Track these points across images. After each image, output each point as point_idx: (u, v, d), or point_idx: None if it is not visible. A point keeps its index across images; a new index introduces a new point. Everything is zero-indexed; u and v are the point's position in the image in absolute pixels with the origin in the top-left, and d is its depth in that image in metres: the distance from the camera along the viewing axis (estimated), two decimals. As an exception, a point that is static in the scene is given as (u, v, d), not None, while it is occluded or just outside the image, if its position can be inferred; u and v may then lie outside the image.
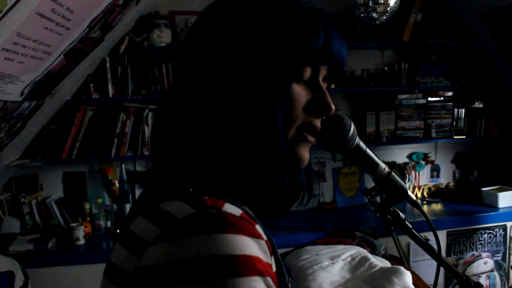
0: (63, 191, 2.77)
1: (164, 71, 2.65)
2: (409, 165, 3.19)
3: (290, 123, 0.58)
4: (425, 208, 2.97)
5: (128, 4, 2.24)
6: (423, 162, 3.20)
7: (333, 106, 0.61)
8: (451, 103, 3.06)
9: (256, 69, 0.55)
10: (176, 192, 0.51)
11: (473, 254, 2.81)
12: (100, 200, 2.71)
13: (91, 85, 2.60)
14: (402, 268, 1.85)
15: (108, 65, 2.59)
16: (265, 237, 0.48)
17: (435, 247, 0.80)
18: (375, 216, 2.82)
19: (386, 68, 3.04)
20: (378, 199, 0.82)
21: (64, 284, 2.29)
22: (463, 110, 3.10)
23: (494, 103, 3.13)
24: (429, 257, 0.81)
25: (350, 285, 1.92)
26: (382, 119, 3.01)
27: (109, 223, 2.65)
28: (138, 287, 0.46)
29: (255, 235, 0.46)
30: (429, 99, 3.03)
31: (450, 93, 3.07)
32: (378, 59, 3.13)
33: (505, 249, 2.86)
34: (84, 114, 2.59)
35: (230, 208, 0.48)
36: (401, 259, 2.50)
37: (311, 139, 0.61)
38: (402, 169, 3.16)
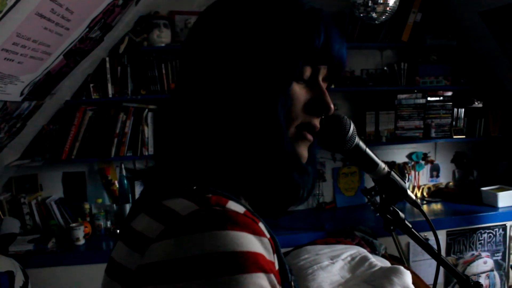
0: (63, 191, 2.77)
1: (163, 71, 2.65)
2: (409, 165, 3.20)
3: (290, 122, 0.58)
4: (424, 208, 2.98)
5: (127, 4, 2.24)
6: (423, 162, 3.21)
7: (332, 106, 0.61)
8: (451, 103, 3.06)
9: (257, 67, 0.55)
10: (179, 189, 0.51)
11: (473, 254, 2.81)
12: (100, 200, 2.71)
13: (91, 85, 2.60)
14: (402, 267, 1.85)
15: (107, 65, 2.59)
16: (268, 235, 0.49)
17: (435, 246, 0.80)
18: (374, 216, 2.82)
19: (385, 68, 3.04)
20: (377, 198, 0.82)
21: (64, 284, 2.29)
22: (463, 110, 3.10)
23: (493, 103, 3.13)
24: (429, 256, 0.82)
25: (350, 284, 1.92)
26: (382, 119, 3.01)
27: (109, 223, 2.65)
28: (141, 284, 0.45)
29: (258, 233, 0.47)
30: (429, 99, 3.03)
31: (449, 93, 3.07)
32: (377, 59, 3.13)
33: (505, 248, 2.86)
34: (83, 114, 2.59)
35: (234, 206, 0.48)
36: (401, 259, 2.50)
37: (310, 137, 0.61)
38: (401, 169, 3.16)
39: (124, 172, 2.68)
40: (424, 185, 3.24)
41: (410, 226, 0.80)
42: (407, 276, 1.80)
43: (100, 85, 2.62)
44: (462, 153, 3.28)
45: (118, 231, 2.56)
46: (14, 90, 1.81)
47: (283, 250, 0.55)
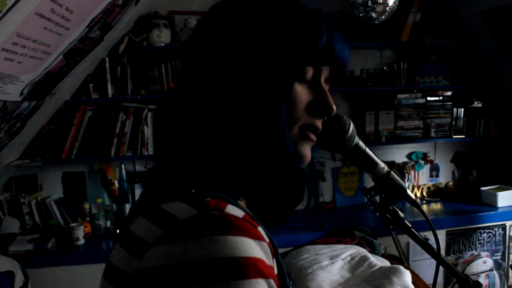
0: (62, 191, 2.77)
1: (163, 71, 2.65)
2: (409, 164, 3.20)
3: (293, 122, 0.58)
4: (424, 207, 2.98)
5: (127, 4, 2.24)
6: (423, 162, 3.21)
7: (334, 107, 0.61)
8: (450, 103, 3.06)
9: (260, 67, 0.55)
10: (177, 192, 0.51)
11: (473, 254, 2.81)
12: (99, 200, 2.71)
13: (91, 85, 2.60)
14: (401, 267, 1.85)
15: (107, 65, 2.59)
16: (267, 239, 0.48)
17: (435, 246, 0.81)
18: (374, 216, 2.82)
19: (385, 67, 3.04)
20: (377, 198, 0.82)
21: (64, 284, 2.29)
22: (462, 109, 3.10)
23: (493, 103, 3.13)
24: (428, 256, 0.82)
25: (349, 284, 1.92)
26: (381, 119, 3.01)
27: (108, 223, 2.65)
28: None
29: (258, 237, 0.46)
30: (428, 98, 3.03)
31: (449, 93, 3.07)
32: (377, 58, 3.13)
33: (504, 248, 2.86)
34: (83, 114, 2.59)
35: (233, 210, 0.48)
36: (400, 259, 2.50)
37: (314, 137, 0.61)
38: (401, 169, 3.16)
39: (124, 172, 2.68)
40: (424, 184, 3.24)
41: (410, 225, 0.81)
42: (407, 276, 1.80)
43: (99, 85, 2.62)
44: (461, 153, 3.29)
45: (118, 231, 2.57)
46: (14, 90, 1.81)
47: (283, 250, 0.55)
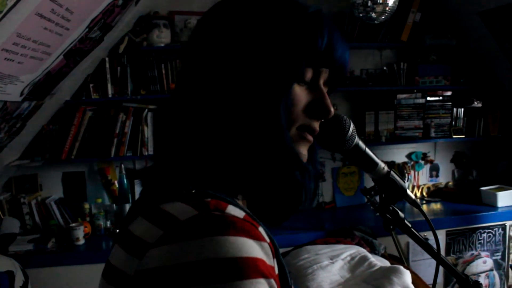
0: (62, 191, 2.77)
1: (163, 71, 2.65)
2: (408, 164, 3.20)
3: (291, 123, 0.58)
4: (424, 207, 2.98)
5: (127, 4, 2.25)
6: (422, 162, 3.21)
7: (332, 110, 0.61)
8: (450, 103, 3.07)
9: (259, 67, 0.55)
10: (177, 193, 0.50)
11: (473, 254, 2.81)
12: (99, 200, 2.71)
13: (91, 85, 2.60)
14: (401, 267, 1.85)
15: (107, 65, 2.59)
16: (268, 240, 0.48)
17: (435, 246, 0.81)
18: (374, 216, 2.82)
19: (385, 68, 3.04)
20: (377, 198, 0.82)
21: (64, 284, 2.29)
22: (462, 109, 3.10)
23: (493, 103, 3.14)
24: (428, 256, 0.82)
25: (349, 284, 1.92)
26: (381, 119, 3.01)
27: (108, 223, 2.65)
28: None
29: (258, 238, 0.46)
30: (428, 98, 3.03)
31: (449, 93, 3.07)
32: (377, 59, 3.13)
33: (504, 248, 2.86)
34: (83, 114, 2.59)
35: (233, 210, 0.47)
36: (400, 259, 2.50)
37: (310, 138, 0.62)
38: (401, 169, 3.16)
39: (124, 172, 2.68)
40: (424, 184, 3.24)
41: (410, 225, 0.81)
42: (407, 276, 1.80)
43: (100, 85, 2.62)
44: (461, 152, 3.29)
45: (117, 231, 2.57)
46: (14, 90, 1.81)
47: (283, 250, 0.55)
